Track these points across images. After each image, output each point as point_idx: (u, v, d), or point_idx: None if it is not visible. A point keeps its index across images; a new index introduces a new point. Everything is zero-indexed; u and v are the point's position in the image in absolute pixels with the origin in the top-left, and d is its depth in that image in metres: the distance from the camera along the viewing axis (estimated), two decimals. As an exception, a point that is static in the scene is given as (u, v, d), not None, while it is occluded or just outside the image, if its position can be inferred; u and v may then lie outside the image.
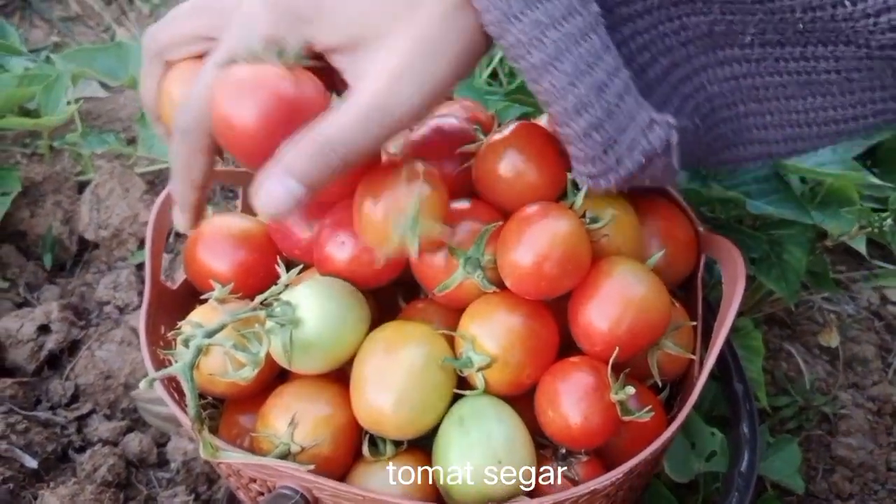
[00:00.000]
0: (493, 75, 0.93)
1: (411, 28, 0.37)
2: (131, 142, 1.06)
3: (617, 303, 0.47)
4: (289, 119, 0.38)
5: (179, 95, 0.45)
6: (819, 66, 0.40)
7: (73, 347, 0.81)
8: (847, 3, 0.34)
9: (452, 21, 0.37)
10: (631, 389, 0.46)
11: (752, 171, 0.62)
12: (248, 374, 0.45)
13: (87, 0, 1.45)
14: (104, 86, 1.17)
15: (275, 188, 0.38)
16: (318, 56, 0.40)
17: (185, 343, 0.46)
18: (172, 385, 0.52)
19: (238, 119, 0.38)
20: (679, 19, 0.41)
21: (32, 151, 1.10)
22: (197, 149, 0.42)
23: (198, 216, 0.47)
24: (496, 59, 0.86)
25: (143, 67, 0.47)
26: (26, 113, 0.97)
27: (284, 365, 0.48)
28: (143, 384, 0.42)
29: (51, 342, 0.79)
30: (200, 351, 0.44)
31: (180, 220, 0.47)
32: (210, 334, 0.45)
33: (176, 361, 0.50)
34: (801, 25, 0.37)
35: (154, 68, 0.46)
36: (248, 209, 0.64)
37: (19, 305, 0.85)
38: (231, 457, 0.44)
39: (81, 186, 0.95)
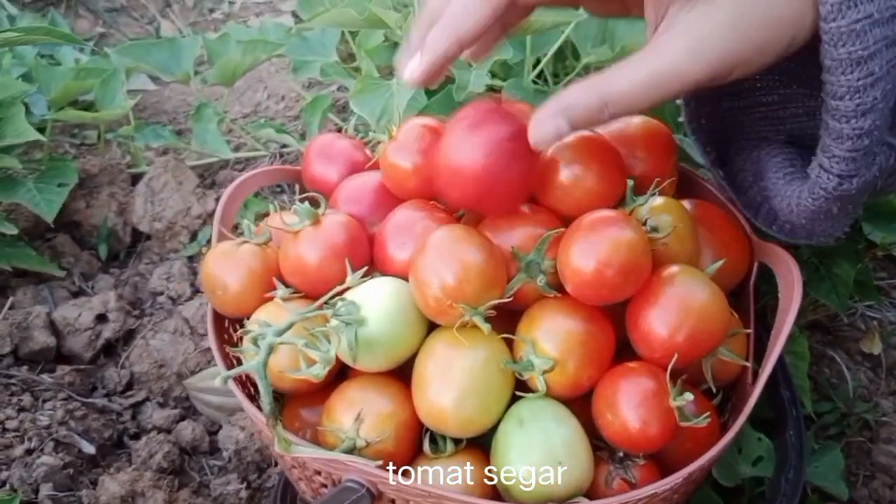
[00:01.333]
0: (540, 75, 0.94)
1: None
2: (178, 134, 1.08)
3: (678, 311, 0.47)
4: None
5: None
6: None
7: (127, 336, 0.83)
8: None
9: (790, 1, 0.36)
10: (689, 396, 0.47)
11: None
12: (320, 371, 0.47)
13: (133, -9, 1.48)
14: (153, 78, 1.20)
15: (548, 124, 0.40)
16: None
17: (255, 341, 0.48)
18: (237, 381, 0.54)
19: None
20: None
21: (81, 142, 1.12)
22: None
23: (435, 75, 0.43)
24: (544, 60, 0.87)
25: None
26: (81, 105, 0.99)
27: (349, 363, 0.50)
28: (217, 381, 0.44)
29: (108, 331, 0.81)
30: (272, 349, 0.45)
31: (414, 70, 0.42)
32: (280, 333, 0.46)
33: (243, 359, 0.52)
34: None
35: None
36: (303, 190, 0.65)
37: (75, 294, 0.87)
38: (304, 451, 0.46)
39: (134, 178, 0.97)
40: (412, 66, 0.42)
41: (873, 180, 0.40)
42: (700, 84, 0.38)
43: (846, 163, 0.38)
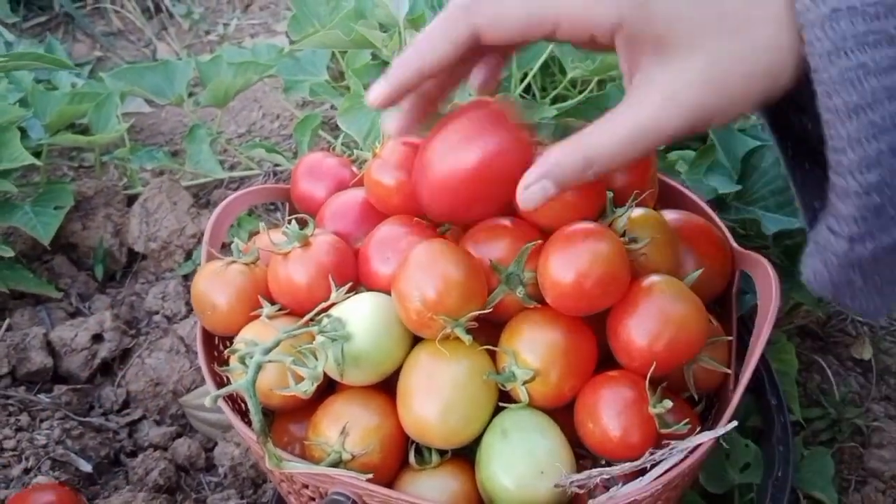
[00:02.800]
0: (528, 89, 0.95)
1: (721, 41, 0.36)
2: (173, 155, 1.10)
3: (657, 320, 0.48)
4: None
5: None
6: None
7: (124, 355, 0.84)
8: None
9: (768, 52, 0.36)
10: (669, 403, 0.48)
11: (770, 185, 0.63)
12: (308, 387, 0.47)
13: (129, 16, 1.50)
14: (148, 101, 1.22)
15: (535, 188, 0.41)
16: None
17: (242, 360, 0.49)
18: (226, 398, 0.55)
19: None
20: None
21: (79, 164, 1.14)
22: (451, 36, 0.40)
23: (396, 100, 0.44)
24: (531, 74, 0.88)
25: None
26: (77, 129, 1.01)
27: (336, 378, 0.51)
28: (207, 401, 0.45)
29: (104, 350, 0.82)
30: (260, 368, 0.46)
31: (377, 93, 0.43)
32: (267, 351, 0.47)
33: (232, 377, 0.53)
34: None
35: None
36: (293, 211, 0.66)
37: (72, 315, 0.89)
38: (295, 467, 0.47)
39: (130, 199, 0.99)
40: (375, 90, 0.43)
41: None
42: (679, 135, 0.39)
43: (855, 223, 0.35)
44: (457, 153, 0.47)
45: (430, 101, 0.47)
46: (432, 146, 0.48)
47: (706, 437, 0.47)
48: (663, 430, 0.48)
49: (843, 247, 0.36)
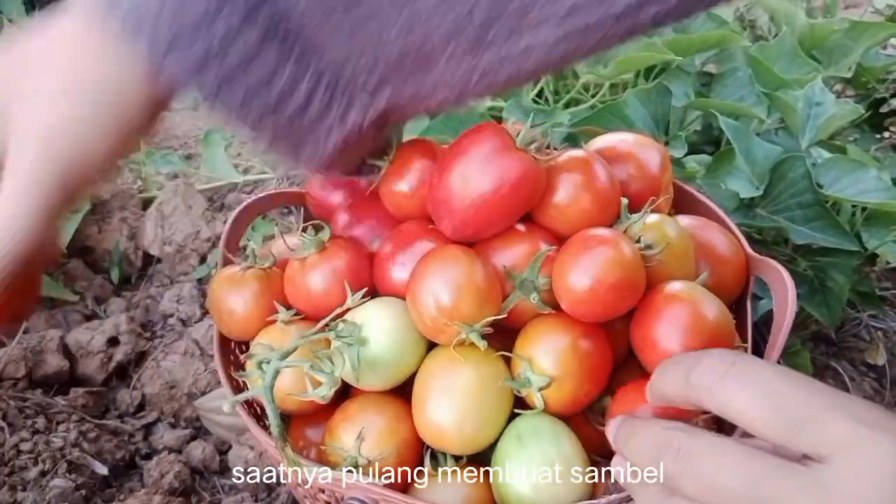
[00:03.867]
0: (540, 94, 0.95)
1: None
2: (187, 158, 1.11)
3: (686, 326, 0.48)
4: None
5: None
6: None
7: (139, 358, 0.85)
8: None
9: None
10: None
11: (797, 196, 0.63)
12: (326, 392, 0.48)
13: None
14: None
15: None
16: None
17: (259, 365, 0.49)
18: (243, 403, 0.55)
19: None
20: None
21: (94, 168, 1.15)
22: None
23: None
24: (543, 79, 0.88)
25: None
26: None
27: (352, 382, 0.51)
28: (226, 406, 0.45)
29: (119, 354, 0.83)
30: (278, 373, 0.47)
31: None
32: (285, 356, 0.47)
33: (249, 382, 0.54)
34: None
35: None
36: (309, 218, 0.67)
37: (88, 317, 0.89)
38: (313, 472, 0.47)
39: (145, 203, 1.00)
40: None
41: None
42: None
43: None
44: (478, 181, 0.50)
45: None
46: (451, 176, 0.51)
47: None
48: None
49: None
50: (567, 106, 0.93)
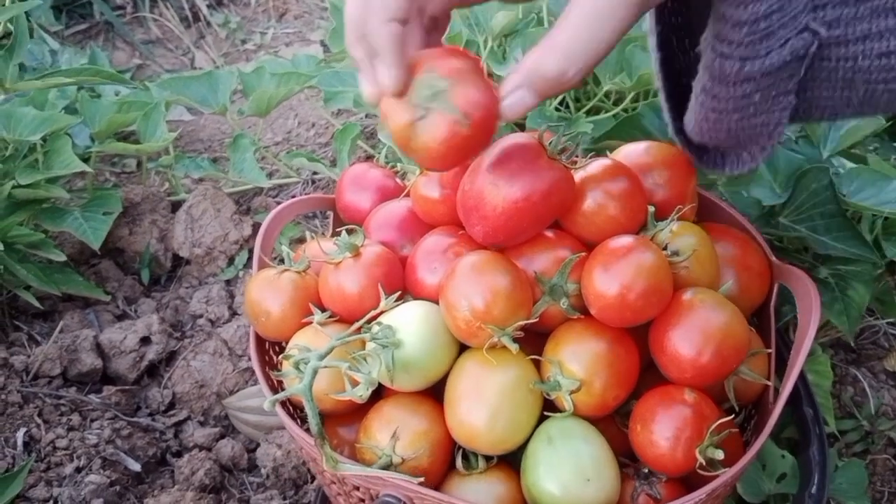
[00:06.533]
0: (563, 102, 0.97)
1: None
2: (214, 162, 1.13)
3: (702, 332, 0.50)
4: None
5: None
6: None
7: (169, 358, 0.87)
8: None
9: None
10: (720, 454, 0.49)
11: (820, 207, 0.64)
12: (364, 392, 0.49)
13: (168, 24, 1.54)
14: (189, 109, 1.25)
15: (513, 100, 0.43)
16: None
17: (297, 366, 0.51)
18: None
19: None
20: None
21: (121, 170, 1.17)
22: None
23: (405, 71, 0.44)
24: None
25: None
26: (118, 136, 1.04)
27: (387, 383, 0.53)
28: (266, 405, 0.47)
29: (151, 353, 0.85)
30: (316, 373, 0.48)
31: (384, 77, 0.43)
32: (323, 357, 0.49)
33: (285, 382, 0.55)
34: None
35: None
36: (336, 220, 0.69)
37: (119, 318, 0.91)
38: (351, 469, 0.49)
39: (174, 206, 1.02)
40: (391, 79, 0.43)
41: (786, 66, 0.40)
42: (632, 14, 0.40)
43: (745, 47, 0.39)
44: (510, 188, 0.51)
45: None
46: (482, 183, 0.52)
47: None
48: (705, 472, 0.49)
49: (735, 65, 0.40)
50: (589, 113, 0.94)
